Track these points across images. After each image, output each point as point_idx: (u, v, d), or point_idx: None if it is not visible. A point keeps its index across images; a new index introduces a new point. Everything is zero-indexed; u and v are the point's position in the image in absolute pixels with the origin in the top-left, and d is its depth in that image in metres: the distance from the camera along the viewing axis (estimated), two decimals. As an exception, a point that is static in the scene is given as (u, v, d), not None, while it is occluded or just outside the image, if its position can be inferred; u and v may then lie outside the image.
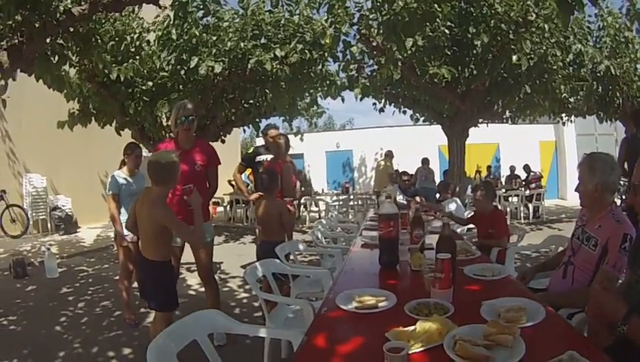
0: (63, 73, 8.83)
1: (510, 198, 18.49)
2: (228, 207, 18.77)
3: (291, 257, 5.84)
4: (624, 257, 3.29)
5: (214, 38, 10.03)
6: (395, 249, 3.97)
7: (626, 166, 8.15)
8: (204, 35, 9.94)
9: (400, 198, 11.10)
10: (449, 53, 10.61)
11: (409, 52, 9.28)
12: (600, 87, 13.98)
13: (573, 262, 3.74)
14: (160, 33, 10.35)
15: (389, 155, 18.69)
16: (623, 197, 12.43)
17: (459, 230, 8.11)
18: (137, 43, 10.23)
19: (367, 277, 3.81)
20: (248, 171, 10.03)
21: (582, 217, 3.87)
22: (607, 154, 3.85)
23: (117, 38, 9.55)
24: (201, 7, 9.41)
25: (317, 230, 7.08)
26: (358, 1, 9.64)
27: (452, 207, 9.20)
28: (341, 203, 18.56)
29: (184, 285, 8.40)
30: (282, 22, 10.41)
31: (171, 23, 9.78)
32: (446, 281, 2.86)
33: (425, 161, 17.86)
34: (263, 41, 10.12)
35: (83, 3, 6.62)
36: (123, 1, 6.83)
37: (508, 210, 17.49)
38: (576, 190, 3.75)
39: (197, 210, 4.45)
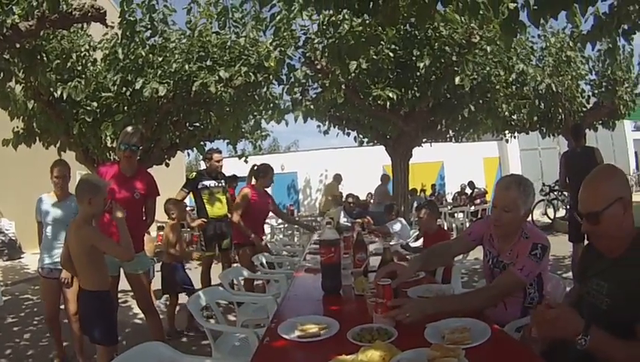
0: (9, 90, 8.73)
1: (456, 215, 18.65)
2: None
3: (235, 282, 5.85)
4: (534, 263, 3.39)
5: (160, 59, 9.91)
6: (337, 274, 3.99)
7: (567, 179, 8.80)
8: (151, 55, 9.84)
9: (344, 221, 11.16)
10: (392, 75, 10.72)
11: (353, 75, 9.38)
12: (542, 104, 14.38)
13: None
14: (107, 52, 10.17)
15: (337, 178, 18.74)
16: (568, 207, 12.82)
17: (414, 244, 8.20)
18: (83, 61, 10.08)
19: (310, 303, 3.81)
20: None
21: (491, 243, 3.85)
22: (519, 176, 3.80)
23: (63, 56, 9.39)
24: (149, 27, 9.36)
25: (261, 254, 7.05)
26: (304, 24, 9.72)
27: (397, 227, 9.28)
28: (286, 225, 18.16)
29: (130, 314, 8.27)
30: (228, 44, 10.36)
31: (118, 42, 9.67)
32: (387, 307, 2.88)
33: (384, 179, 17.89)
34: (208, 63, 10.05)
35: (30, 19, 6.52)
36: (71, 18, 6.75)
37: (454, 226, 17.52)
38: (497, 219, 3.61)
39: (121, 223, 4.43)
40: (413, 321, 2.87)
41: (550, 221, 18.27)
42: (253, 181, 8.27)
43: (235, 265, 8.85)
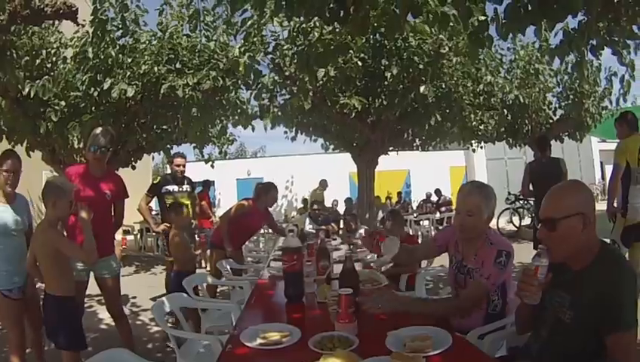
0: (-24, 86, 8.55)
1: (421, 222, 18.72)
2: (138, 236, 18.11)
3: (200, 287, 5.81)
4: (499, 271, 3.46)
5: (130, 60, 9.83)
6: (299, 282, 4.00)
7: (531, 188, 8.99)
8: (121, 56, 9.74)
9: (309, 228, 11.15)
10: (360, 84, 10.79)
11: (321, 82, 9.40)
12: (509, 115, 14.62)
13: None
14: (77, 50, 9.96)
15: (322, 184, 18.68)
16: (533, 215, 12.98)
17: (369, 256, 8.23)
18: (53, 59, 9.94)
19: (273, 310, 3.84)
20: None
21: (456, 249, 3.91)
22: (480, 182, 3.92)
23: (33, 53, 9.30)
24: (120, 26, 9.29)
25: (225, 261, 7.01)
26: (274, 30, 9.72)
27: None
28: None
29: (95, 319, 8.15)
30: (199, 47, 10.32)
31: (89, 40, 9.49)
32: (347, 316, 2.91)
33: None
34: (177, 65, 10.01)
35: (2, 14, 6.42)
36: (42, 14, 6.65)
37: (420, 233, 17.62)
38: (462, 224, 3.69)
39: (86, 225, 4.35)
40: (385, 311, 3.10)
41: (516, 229, 18.45)
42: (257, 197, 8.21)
43: (201, 270, 8.80)
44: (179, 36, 10.25)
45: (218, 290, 7.92)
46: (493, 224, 13.42)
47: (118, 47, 9.63)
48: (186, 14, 10.11)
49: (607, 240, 6.09)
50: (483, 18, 4.65)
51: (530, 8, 4.45)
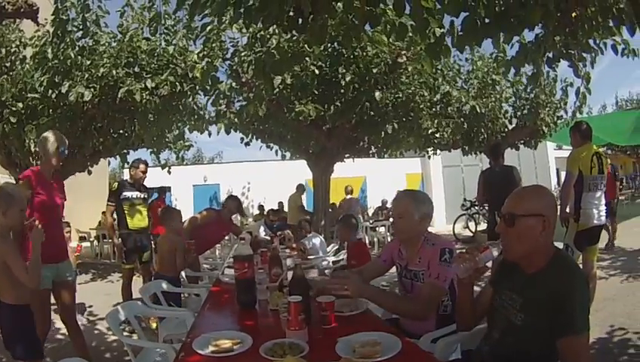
0: None
1: (377, 228, 18.74)
2: (95, 243, 17.73)
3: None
4: (446, 268, 3.53)
5: (88, 63, 9.70)
6: (251, 289, 4.01)
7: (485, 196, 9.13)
8: (80, 57, 9.60)
9: (264, 235, 11.15)
10: (317, 91, 10.81)
11: (277, 90, 9.40)
12: (465, 124, 14.78)
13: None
14: (37, 50, 9.83)
15: (299, 189, 18.63)
16: (488, 221, 13.19)
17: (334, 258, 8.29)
18: (12, 58, 9.78)
19: (226, 317, 3.84)
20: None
21: (400, 256, 4.00)
22: (415, 190, 4.19)
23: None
24: (81, 27, 9.18)
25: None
26: (233, 37, 9.70)
27: (316, 241, 9.31)
28: None
29: (53, 328, 8.01)
30: (158, 51, 10.25)
31: (49, 40, 9.42)
32: (297, 323, 2.93)
33: (348, 191, 17.87)
34: (136, 69, 9.93)
35: (-39, 11, 6.30)
36: (3, 12, 6.54)
37: (375, 239, 17.73)
38: (395, 226, 3.99)
39: (36, 248, 4.15)
40: (353, 295, 3.36)
41: (472, 234, 18.65)
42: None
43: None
44: (139, 39, 10.16)
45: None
46: (449, 229, 13.71)
47: (77, 49, 9.51)
48: (147, 17, 10.05)
49: (561, 243, 6.31)
50: (440, 31, 4.70)
51: (487, 21, 4.51)
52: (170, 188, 19.46)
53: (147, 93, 9.55)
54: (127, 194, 8.09)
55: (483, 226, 17.56)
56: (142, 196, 8.32)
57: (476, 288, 3.14)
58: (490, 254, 2.79)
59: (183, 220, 7.34)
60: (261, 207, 18.50)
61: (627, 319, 6.80)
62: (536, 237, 2.61)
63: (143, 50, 10.13)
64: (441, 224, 24.99)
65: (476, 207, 18.58)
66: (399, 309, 3.76)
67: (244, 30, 9.25)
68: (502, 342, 2.74)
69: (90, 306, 9.35)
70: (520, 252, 2.70)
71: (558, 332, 2.44)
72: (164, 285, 5.75)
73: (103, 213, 14.50)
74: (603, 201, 6.79)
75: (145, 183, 8.53)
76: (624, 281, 8.80)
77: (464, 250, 2.85)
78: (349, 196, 17.65)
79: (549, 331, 2.48)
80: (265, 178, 24.35)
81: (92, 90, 9.32)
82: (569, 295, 2.46)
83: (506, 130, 15.91)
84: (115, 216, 8.29)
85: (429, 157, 19.42)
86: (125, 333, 5.71)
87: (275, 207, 17.55)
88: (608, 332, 6.38)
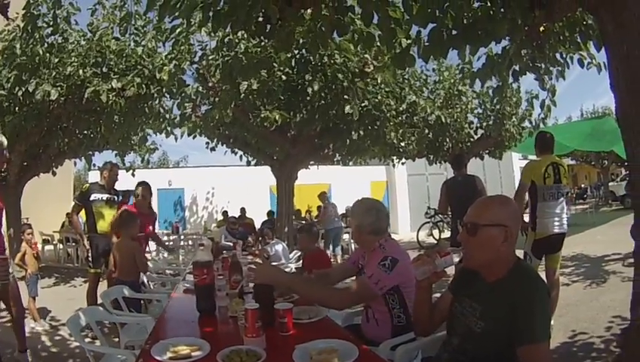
0: None
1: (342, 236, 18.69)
2: (58, 246, 17.17)
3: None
4: (382, 272, 3.57)
5: (56, 60, 9.63)
6: (210, 295, 3.99)
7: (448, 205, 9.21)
8: (48, 55, 9.48)
9: (226, 241, 11.10)
10: (283, 98, 10.79)
11: (243, 95, 9.36)
12: (431, 134, 14.90)
13: (371, 305, 3.89)
14: (5, 45, 9.72)
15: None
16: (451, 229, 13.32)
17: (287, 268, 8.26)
18: (-21, 52, 9.64)
19: (186, 324, 3.79)
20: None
21: (363, 259, 4.04)
22: (370, 199, 4.18)
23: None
24: (51, 23, 9.06)
25: (142, 274, 6.90)
26: (202, 40, 9.65)
27: (279, 248, 9.30)
28: (171, 243, 17.02)
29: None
30: (127, 51, 10.18)
31: (18, 35, 9.28)
32: (254, 330, 2.93)
33: (323, 197, 17.84)
34: (104, 69, 9.84)
35: None
36: (-28, 5, 6.46)
37: (340, 246, 17.63)
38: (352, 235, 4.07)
39: None
40: (257, 280, 3.50)
41: (435, 241, 18.78)
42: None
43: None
44: (108, 39, 10.07)
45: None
46: (413, 237, 13.76)
47: (46, 45, 9.39)
48: (118, 17, 9.95)
49: (522, 251, 6.39)
50: (406, 41, 4.73)
51: (454, 33, 4.55)
52: (134, 191, 19.17)
53: (114, 94, 9.45)
54: (98, 196, 7.97)
55: (447, 234, 17.70)
56: (112, 199, 8.23)
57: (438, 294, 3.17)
58: (450, 259, 2.80)
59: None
60: (225, 213, 18.40)
61: (590, 324, 6.90)
62: (497, 247, 2.63)
63: (112, 50, 10.06)
64: (405, 231, 25.20)
65: (440, 215, 18.72)
66: (317, 297, 3.80)
67: (213, 34, 9.22)
68: (461, 349, 2.74)
69: (51, 311, 9.12)
70: (481, 261, 2.71)
71: (517, 341, 2.45)
72: (126, 291, 5.71)
73: (67, 214, 14.32)
74: (565, 210, 6.87)
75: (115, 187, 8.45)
76: (587, 287, 8.92)
77: (424, 253, 2.87)
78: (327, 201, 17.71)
79: (508, 339, 2.48)
80: (229, 183, 24.28)
81: (59, 88, 9.23)
82: (529, 304, 2.48)
83: (472, 140, 16.07)
84: (80, 216, 8.22)
85: (394, 165, 19.55)
86: (88, 339, 5.65)
87: (239, 213, 17.54)
88: (571, 337, 6.47)
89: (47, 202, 16.94)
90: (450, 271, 3.00)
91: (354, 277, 4.18)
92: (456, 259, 2.75)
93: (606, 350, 5.93)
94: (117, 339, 5.10)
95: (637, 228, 3.46)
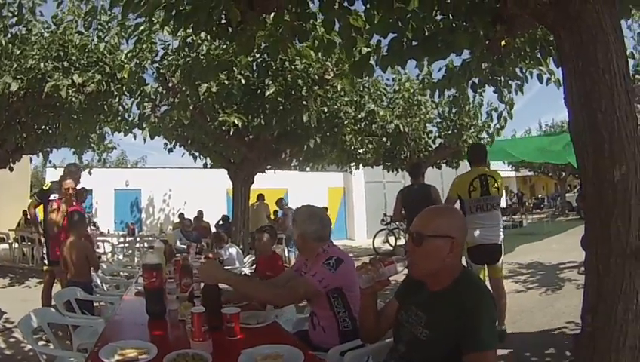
0: None
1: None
2: (14, 245, 16.54)
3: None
4: (327, 270, 3.61)
5: (18, 52, 9.47)
6: (160, 299, 3.95)
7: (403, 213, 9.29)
8: (11, 45, 9.35)
9: (180, 244, 11.04)
10: (241, 101, 10.75)
11: (202, 97, 9.31)
12: (389, 142, 15.04)
13: (315, 312, 3.92)
14: None
15: (261, 196, 18.36)
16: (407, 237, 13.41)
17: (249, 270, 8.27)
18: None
19: (136, 327, 3.76)
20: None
21: (306, 267, 4.02)
22: (312, 206, 4.18)
23: None
24: (16, 13, 8.89)
25: (95, 275, 6.83)
26: (164, 40, 9.56)
27: (233, 251, 9.28)
28: (127, 245, 17.03)
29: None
30: (89, 47, 10.04)
31: (-21, 25, 9.09)
32: (200, 334, 2.93)
33: (281, 204, 17.80)
34: (65, 64, 9.68)
35: None
36: None
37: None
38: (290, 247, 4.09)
39: None
40: (203, 280, 3.50)
41: (391, 248, 18.93)
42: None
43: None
44: (72, 32, 9.94)
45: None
46: (369, 243, 13.85)
47: (9, 36, 9.23)
48: (84, 10, 9.78)
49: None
50: (366, 49, 4.76)
51: (414, 44, 4.58)
52: (91, 190, 18.83)
53: (74, 90, 9.32)
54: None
55: (403, 241, 17.84)
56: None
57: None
58: (394, 269, 2.80)
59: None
60: (181, 216, 18.23)
61: (545, 330, 7.06)
62: (443, 257, 2.63)
63: (75, 44, 9.93)
64: (362, 238, 25.23)
65: (396, 222, 18.86)
66: (255, 294, 3.84)
67: (177, 34, 9.15)
68: (407, 356, 2.75)
69: (5, 313, 8.92)
70: (426, 270, 2.72)
71: (464, 349, 2.46)
72: (79, 293, 5.64)
73: (24, 211, 14.10)
74: (495, 221, 6.98)
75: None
76: (542, 294, 9.06)
77: (367, 261, 2.88)
78: (286, 206, 17.70)
79: (454, 348, 2.49)
80: (186, 185, 24.07)
81: (19, 81, 9.08)
82: (474, 313, 2.49)
83: (430, 149, 16.18)
84: (37, 211, 8.14)
85: (351, 172, 19.74)
86: (42, 342, 5.57)
87: (195, 216, 17.43)
88: (523, 342, 6.59)
89: (3, 200, 16.64)
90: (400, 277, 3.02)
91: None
92: (400, 268, 2.76)
93: (560, 355, 6.06)
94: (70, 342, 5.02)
95: (587, 239, 3.52)
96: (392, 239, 19.66)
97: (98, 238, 16.32)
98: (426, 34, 4.63)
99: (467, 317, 2.48)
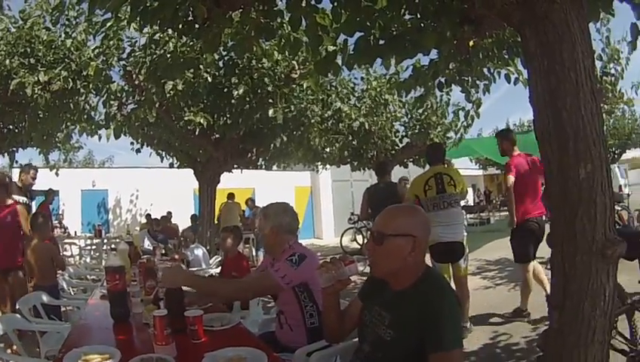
0: None
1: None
2: None
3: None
4: (289, 266, 3.66)
5: (-17, 49, 9.26)
6: (123, 302, 3.93)
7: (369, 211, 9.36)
8: (-25, 41, 9.14)
9: (147, 245, 10.94)
10: (207, 100, 10.73)
11: (168, 95, 9.22)
12: (355, 141, 15.09)
13: (282, 310, 3.94)
14: None
15: (232, 196, 18.15)
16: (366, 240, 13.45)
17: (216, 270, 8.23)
18: None
19: (101, 331, 3.73)
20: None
21: (271, 266, 3.97)
22: (282, 203, 4.20)
23: None
24: (-17, 7, 8.75)
25: (62, 279, 6.74)
26: (131, 37, 9.44)
27: (199, 252, 9.23)
28: (94, 247, 16.83)
29: None
30: (56, 43, 9.84)
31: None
32: (163, 338, 2.91)
33: (252, 203, 17.72)
34: (31, 61, 9.51)
35: None
36: None
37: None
38: (259, 247, 4.09)
39: None
40: (165, 285, 3.48)
41: (359, 247, 18.97)
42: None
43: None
44: (39, 28, 9.75)
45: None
46: (337, 242, 13.92)
47: (-25, 31, 9.08)
48: (52, 5, 9.59)
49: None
50: (332, 48, 4.74)
51: (381, 43, 4.58)
52: (58, 191, 18.49)
53: (39, 87, 9.17)
54: (15, 198, 7.75)
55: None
56: (27, 202, 8.03)
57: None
58: (355, 268, 2.83)
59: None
60: (148, 216, 18.01)
61: (513, 325, 7.17)
62: (404, 256, 2.64)
63: (42, 40, 9.73)
64: (329, 237, 25.40)
65: (363, 221, 18.95)
66: (216, 291, 3.88)
67: (145, 30, 9.03)
68: (372, 356, 2.75)
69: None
70: (387, 270, 2.73)
71: (428, 349, 2.46)
72: (45, 297, 5.56)
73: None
74: (455, 219, 7.11)
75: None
76: (511, 290, 9.18)
77: (328, 260, 2.88)
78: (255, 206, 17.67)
79: (418, 347, 2.50)
80: (153, 185, 23.84)
81: (-17, 78, 8.92)
82: (438, 312, 2.50)
83: (397, 148, 16.25)
84: None
85: (318, 171, 19.87)
86: (9, 350, 5.49)
87: (163, 216, 17.30)
88: (494, 339, 6.70)
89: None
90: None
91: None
92: (361, 268, 2.77)
93: (529, 350, 6.15)
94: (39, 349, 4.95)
95: (553, 237, 3.55)
96: (359, 238, 19.68)
97: (65, 241, 16.14)
98: (394, 33, 4.64)
99: (431, 316, 2.49)
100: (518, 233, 7.48)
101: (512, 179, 7.40)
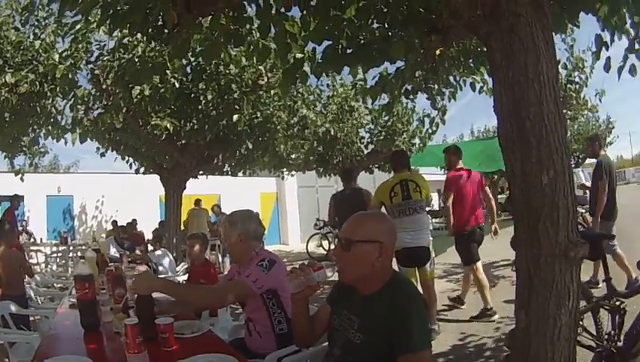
0: None
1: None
2: None
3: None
4: (260, 271, 3.69)
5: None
6: (93, 311, 3.88)
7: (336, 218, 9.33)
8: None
9: (114, 252, 10.84)
10: (174, 105, 10.66)
11: (135, 100, 9.17)
12: (321, 147, 15.24)
13: (251, 317, 3.95)
14: None
15: (199, 202, 18.00)
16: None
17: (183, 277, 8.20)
18: None
19: (71, 341, 3.68)
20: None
21: (239, 273, 4.01)
22: (246, 209, 4.19)
23: None
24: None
25: (29, 287, 6.66)
26: (100, 40, 9.37)
27: (165, 262, 9.18)
28: (60, 254, 16.26)
29: None
30: (25, 44, 9.69)
31: None
32: (135, 346, 2.89)
33: (218, 210, 17.63)
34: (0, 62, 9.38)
35: None
36: None
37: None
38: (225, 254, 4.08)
39: None
40: (138, 292, 3.39)
41: (325, 252, 19.00)
42: None
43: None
44: (8, 28, 9.64)
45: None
46: (302, 248, 13.92)
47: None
48: (21, 4, 9.53)
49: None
50: (300, 55, 4.78)
51: (348, 51, 4.63)
52: (23, 197, 18.10)
53: (6, 89, 9.03)
54: None
55: (335, 245, 18.00)
56: None
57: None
58: (324, 274, 2.86)
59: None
60: (114, 223, 17.79)
61: (481, 325, 7.29)
62: (372, 262, 2.67)
63: (10, 40, 9.59)
64: (295, 242, 25.44)
65: (329, 227, 18.98)
66: (190, 297, 3.85)
67: (114, 33, 8.95)
68: (342, 359, 2.78)
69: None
70: (355, 275, 2.77)
71: (397, 351, 2.51)
72: (13, 307, 5.49)
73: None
74: (420, 225, 7.24)
75: None
76: (476, 292, 9.17)
77: (297, 266, 2.91)
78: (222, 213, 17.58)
79: (387, 350, 2.53)
80: (119, 191, 23.39)
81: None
82: (406, 315, 2.54)
83: (362, 154, 16.34)
84: None
85: (283, 177, 19.92)
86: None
87: (129, 222, 17.10)
88: (462, 339, 6.80)
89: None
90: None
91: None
92: (330, 273, 2.80)
93: (497, 349, 6.26)
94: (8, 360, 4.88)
95: (516, 240, 3.63)
96: (325, 243, 19.79)
97: (31, 248, 15.90)
98: (362, 42, 4.69)
99: (399, 319, 2.54)
100: (462, 240, 8.01)
101: (451, 197, 7.92)
